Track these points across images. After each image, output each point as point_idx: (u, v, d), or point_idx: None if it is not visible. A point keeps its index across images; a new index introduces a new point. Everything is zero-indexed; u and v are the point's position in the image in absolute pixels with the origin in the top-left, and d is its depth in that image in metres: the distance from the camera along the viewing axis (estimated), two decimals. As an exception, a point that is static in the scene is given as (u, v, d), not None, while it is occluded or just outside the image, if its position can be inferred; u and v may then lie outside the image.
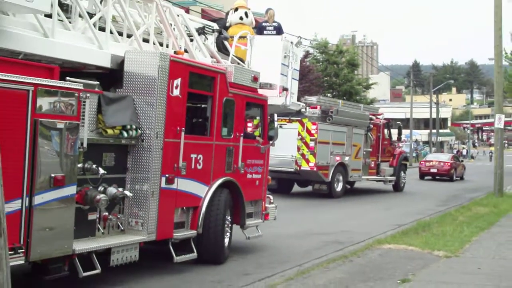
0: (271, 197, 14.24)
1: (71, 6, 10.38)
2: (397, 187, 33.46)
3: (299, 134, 25.96)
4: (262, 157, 13.67)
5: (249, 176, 13.09)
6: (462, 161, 51.16)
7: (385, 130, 32.92)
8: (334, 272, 11.10)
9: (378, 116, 32.87)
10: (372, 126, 30.72)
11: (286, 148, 24.87)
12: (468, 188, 37.11)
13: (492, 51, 30.36)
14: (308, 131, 25.95)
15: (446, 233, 16.00)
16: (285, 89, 14.39)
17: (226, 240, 12.31)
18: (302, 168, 26.00)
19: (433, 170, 44.67)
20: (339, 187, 27.74)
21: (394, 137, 34.25)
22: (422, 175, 45.58)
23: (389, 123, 34.31)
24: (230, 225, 12.48)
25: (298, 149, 25.96)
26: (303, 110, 24.22)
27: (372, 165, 31.18)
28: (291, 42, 14.94)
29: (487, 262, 12.36)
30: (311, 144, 25.83)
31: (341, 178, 27.79)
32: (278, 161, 25.01)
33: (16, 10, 8.87)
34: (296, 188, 29.37)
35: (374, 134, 31.01)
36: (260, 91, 13.53)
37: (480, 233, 16.26)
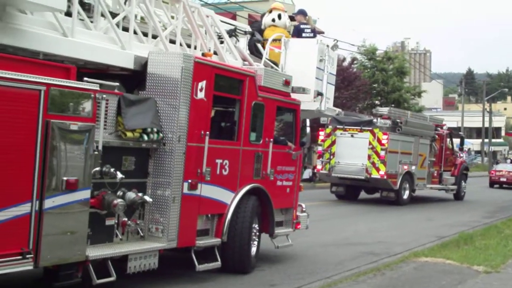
0: (303, 205, 13.91)
1: (93, 6, 10.23)
2: (458, 196, 34.59)
3: (370, 143, 27.30)
4: (294, 164, 13.33)
5: (279, 183, 12.81)
6: None
7: (448, 140, 34.13)
8: (363, 285, 10.77)
9: (442, 127, 34.27)
10: (436, 136, 32.15)
11: (356, 157, 27.18)
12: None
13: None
14: (379, 141, 27.18)
15: (489, 246, 15.49)
16: (319, 93, 14.05)
17: (253, 249, 12.07)
18: (372, 176, 27.28)
19: (503, 179, 47.32)
20: (405, 194, 28.99)
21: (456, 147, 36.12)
22: (492, 183, 47.94)
23: (452, 133, 35.64)
24: (257, 233, 12.24)
25: (369, 157, 27.23)
26: (374, 120, 27.56)
27: (435, 174, 32.43)
28: (327, 45, 14.61)
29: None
30: (382, 153, 27.11)
31: (407, 186, 29.08)
32: (348, 169, 27.44)
33: (33, 8, 8.78)
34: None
35: (437, 144, 32.34)
36: (293, 95, 13.22)
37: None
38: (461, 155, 36.98)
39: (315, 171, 39.80)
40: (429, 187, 31.91)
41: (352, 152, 27.29)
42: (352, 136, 27.69)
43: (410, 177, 29.14)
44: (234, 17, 32.38)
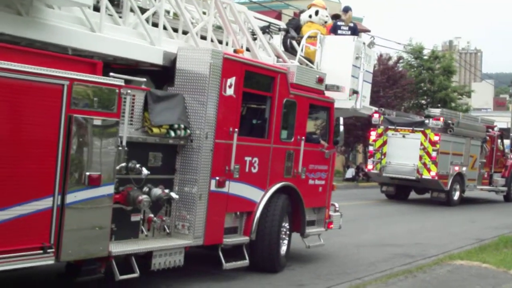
0: (336, 204, 13.81)
1: (122, 0, 10.28)
2: (508, 198, 34.56)
3: (421, 144, 27.66)
4: (327, 163, 13.22)
5: (311, 182, 12.73)
6: None
7: (499, 141, 34.39)
8: (392, 287, 10.55)
9: (493, 128, 34.50)
10: (487, 137, 32.39)
11: (407, 157, 27.72)
12: None
13: None
14: (431, 142, 27.53)
15: (530, 251, 15.16)
16: (355, 92, 13.96)
17: (284, 248, 12.03)
18: (423, 177, 27.62)
19: None
20: (456, 195, 29.29)
21: (507, 149, 36.81)
22: None
23: (503, 135, 36.18)
24: (288, 232, 12.18)
25: (420, 158, 27.60)
26: (426, 121, 28.07)
27: (486, 176, 32.72)
28: (364, 43, 14.48)
29: None
30: (433, 154, 27.45)
31: (458, 187, 29.43)
32: (400, 169, 28.02)
33: (60, 3, 8.90)
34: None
35: (488, 146, 32.49)
36: (327, 93, 13.11)
37: None
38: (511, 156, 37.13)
39: (366, 170, 40.25)
40: (479, 188, 32.23)
41: (404, 153, 27.74)
42: (403, 136, 28.13)
43: (461, 178, 29.50)
44: (279, 15, 32.50)
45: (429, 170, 27.45)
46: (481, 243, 17.11)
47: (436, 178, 27.57)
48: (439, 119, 28.18)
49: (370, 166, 29.59)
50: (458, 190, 29.45)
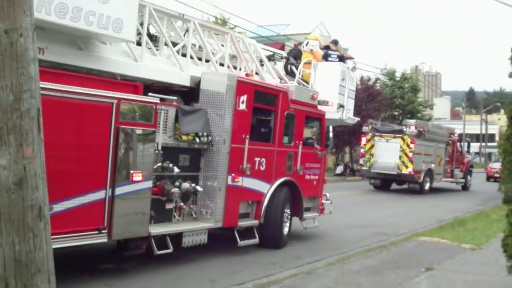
0: (327, 194, 13.85)
1: (158, 37, 10.45)
2: (465, 187, 35.50)
3: (400, 147, 28.51)
4: (320, 162, 13.29)
5: (307, 177, 12.76)
6: None
7: (458, 144, 35.08)
8: (370, 259, 10.68)
9: (454, 134, 34.91)
10: (450, 141, 33.27)
11: (390, 157, 28.51)
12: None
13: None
14: (408, 145, 28.47)
15: (477, 228, 15.20)
16: (341, 106, 14.04)
17: (285, 230, 12.04)
18: (402, 172, 28.53)
19: (496, 175, 47.02)
20: (427, 186, 30.07)
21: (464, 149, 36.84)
22: (488, 178, 49.16)
23: (461, 139, 37.06)
24: (289, 217, 12.19)
25: (400, 158, 28.48)
26: (404, 129, 29.38)
27: (449, 171, 33.52)
28: (348, 68, 14.60)
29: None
30: (410, 154, 28.37)
31: (428, 179, 30.25)
32: (384, 166, 28.86)
33: (110, 40, 9.03)
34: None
35: (450, 147, 33.40)
36: (320, 107, 13.21)
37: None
38: (468, 156, 37.50)
39: (351, 167, 40.41)
40: (444, 180, 32.90)
41: (387, 153, 28.60)
42: (387, 141, 29.13)
43: (430, 173, 30.28)
44: (282, 47, 32.56)
45: (406, 167, 28.36)
46: (440, 223, 17.10)
47: (412, 173, 28.41)
48: (414, 128, 29.20)
49: (362, 163, 30.28)
50: (428, 182, 30.24)
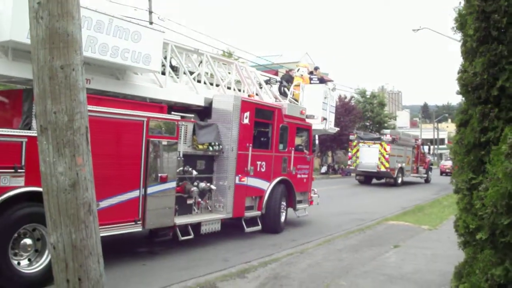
0: (315, 189, 13.82)
1: (179, 67, 10.50)
2: (427, 180, 36.42)
3: (379, 150, 29.48)
4: (308, 163, 13.28)
5: (299, 176, 12.73)
6: None
7: (421, 147, 35.88)
8: (351, 240, 10.67)
9: (418, 140, 36.20)
10: (415, 145, 34.30)
11: (371, 158, 29.38)
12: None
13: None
14: (385, 149, 29.39)
15: (433, 213, 15.20)
16: (324, 118, 14.07)
17: (283, 218, 11.99)
18: (380, 170, 29.42)
19: (448, 170, 48.01)
20: (399, 180, 30.86)
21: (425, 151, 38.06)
22: (442, 173, 49.36)
23: (423, 144, 37.62)
24: (285, 208, 12.17)
25: (379, 159, 29.36)
26: (382, 137, 30.65)
27: (415, 168, 34.32)
28: (329, 88, 14.65)
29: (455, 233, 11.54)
30: (386, 156, 29.26)
31: (400, 175, 31.05)
32: (367, 165, 29.62)
33: (141, 71, 9.07)
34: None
35: (416, 150, 34.33)
36: (307, 120, 13.22)
37: (455, 213, 15.15)
38: (429, 156, 38.42)
39: (347, 167, 40.79)
40: (412, 175, 33.85)
41: (369, 156, 29.45)
42: (369, 146, 29.96)
43: (402, 170, 31.13)
44: (276, 73, 32.60)
45: (384, 166, 29.24)
46: (404, 210, 17.06)
47: (388, 170, 29.26)
48: (389, 136, 30.51)
49: (350, 163, 31.19)
50: (401, 177, 31.01)
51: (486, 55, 4.88)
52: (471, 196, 5.02)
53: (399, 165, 30.68)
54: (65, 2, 3.74)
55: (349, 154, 31.26)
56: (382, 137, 31.00)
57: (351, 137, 31.09)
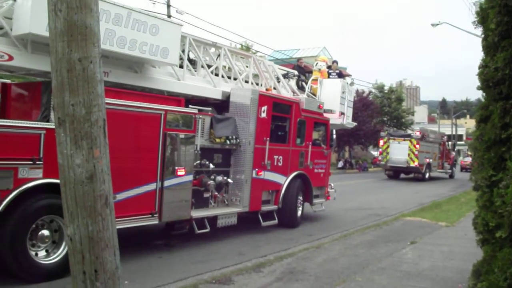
0: (332, 184, 13.76)
1: (196, 61, 10.50)
2: (451, 176, 37.34)
3: (409, 147, 30.59)
4: (326, 158, 13.23)
5: (316, 170, 12.70)
6: None
7: (446, 144, 37.18)
8: (367, 235, 10.60)
9: (444, 137, 37.67)
10: (442, 142, 35.64)
11: (401, 154, 30.71)
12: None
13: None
14: (414, 145, 30.58)
15: (450, 210, 15.06)
16: (342, 113, 13.98)
17: (299, 213, 12.00)
18: (410, 165, 30.76)
19: (468, 166, 47.67)
20: (427, 175, 32.03)
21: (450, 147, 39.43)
22: (462, 169, 49.52)
23: (449, 140, 39.29)
24: (302, 202, 12.16)
25: (408, 155, 30.59)
26: (411, 134, 32.18)
27: (440, 164, 35.56)
28: (347, 83, 14.54)
29: (473, 230, 11.36)
30: (416, 152, 30.51)
31: (428, 170, 32.23)
32: (397, 161, 30.95)
33: (159, 64, 9.06)
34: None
35: (442, 147, 35.53)
36: (325, 114, 13.15)
37: (473, 210, 14.96)
38: (453, 152, 39.33)
39: (377, 162, 40.97)
40: (438, 171, 35.09)
41: (399, 152, 30.71)
42: (399, 142, 31.06)
43: (429, 165, 32.32)
44: (294, 67, 32.44)
45: (413, 161, 30.44)
46: (421, 206, 16.87)
47: (417, 166, 30.53)
48: (419, 133, 31.68)
49: (380, 159, 32.34)
50: (428, 172, 32.19)
51: (508, 49, 4.77)
52: (491, 193, 4.93)
53: (427, 160, 31.76)
54: (83, -5, 3.73)
55: (380, 150, 32.46)
56: (411, 134, 32.13)
57: (382, 133, 32.43)
